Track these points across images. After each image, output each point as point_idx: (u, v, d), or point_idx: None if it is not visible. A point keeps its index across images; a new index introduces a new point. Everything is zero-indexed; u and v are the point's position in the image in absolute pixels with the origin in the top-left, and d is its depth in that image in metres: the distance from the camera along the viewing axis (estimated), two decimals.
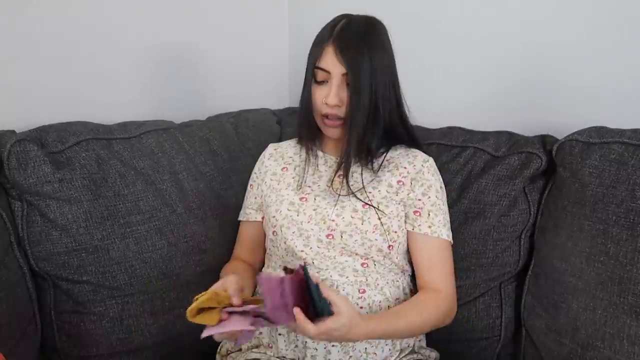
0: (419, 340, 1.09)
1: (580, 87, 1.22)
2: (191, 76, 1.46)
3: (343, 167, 1.03)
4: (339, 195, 1.02)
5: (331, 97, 0.99)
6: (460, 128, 1.27)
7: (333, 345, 0.96)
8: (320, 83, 1.02)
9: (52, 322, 1.06)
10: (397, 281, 1.04)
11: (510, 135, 1.21)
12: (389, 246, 1.01)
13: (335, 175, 1.06)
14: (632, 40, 1.14)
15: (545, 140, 1.17)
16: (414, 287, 1.08)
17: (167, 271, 1.12)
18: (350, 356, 0.97)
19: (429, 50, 1.40)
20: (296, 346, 0.98)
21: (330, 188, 1.05)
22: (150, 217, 1.11)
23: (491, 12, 1.31)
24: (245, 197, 1.19)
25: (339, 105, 1.01)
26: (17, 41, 1.11)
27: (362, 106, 0.99)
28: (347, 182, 1.02)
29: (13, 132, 1.06)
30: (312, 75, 1.02)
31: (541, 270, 1.11)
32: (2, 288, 0.95)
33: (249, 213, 1.16)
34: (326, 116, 1.03)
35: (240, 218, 1.18)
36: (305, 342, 0.97)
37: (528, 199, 1.16)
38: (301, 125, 1.11)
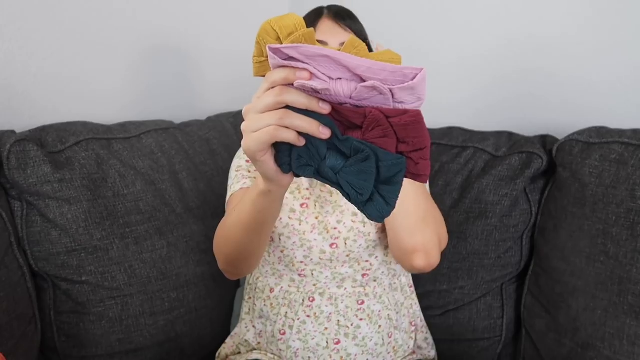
0: (426, 339, 1.08)
1: (580, 86, 1.22)
2: (191, 76, 1.46)
3: None
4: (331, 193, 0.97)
5: None
6: (460, 128, 1.27)
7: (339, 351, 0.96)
8: None
9: (51, 323, 1.06)
10: (395, 283, 1.02)
11: (510, 135, 1.21)
12: None
13: None
14: (633, 40, 1.14)
15: (545, 140, 1.17)
16: (413, 284, 1.08)
17: (166, 271, 1.12)
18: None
19: (428, 51, 1.40)
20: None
21: (320, 188, 0.98)
22: (149, 217, 1.11)
23: (491, 12, 1.31)
24: (230, 180, 1.00)
25: None
26: (17, 41, 1.11)
27: None
28: None
29: (13, 132, 1.06)
30: None
31: (541, 271, 1.11)
32: (2, 288, 0.95)
33: (244, 183, 0.95)
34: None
35: (231, 192, 0.97)
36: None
37: (529, 199, 1.16)
38: None
